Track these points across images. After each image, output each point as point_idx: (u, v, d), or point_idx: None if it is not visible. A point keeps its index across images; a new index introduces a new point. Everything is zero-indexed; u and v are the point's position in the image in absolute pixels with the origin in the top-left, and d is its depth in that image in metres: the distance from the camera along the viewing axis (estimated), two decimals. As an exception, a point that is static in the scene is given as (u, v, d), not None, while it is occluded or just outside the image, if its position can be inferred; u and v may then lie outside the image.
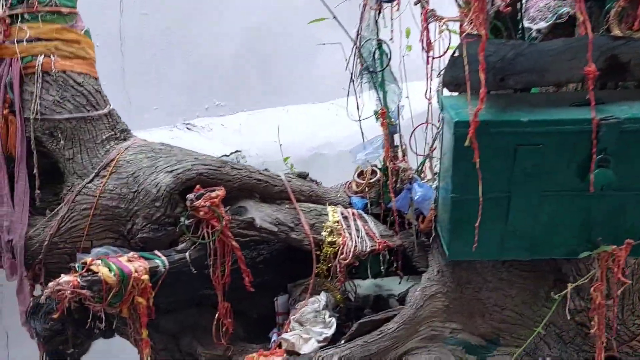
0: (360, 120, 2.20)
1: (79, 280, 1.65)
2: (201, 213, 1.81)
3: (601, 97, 1.62)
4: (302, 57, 4.22)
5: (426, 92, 2.10)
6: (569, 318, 1.89)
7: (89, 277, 1.67)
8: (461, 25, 1.84)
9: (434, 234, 2.03)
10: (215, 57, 3.78)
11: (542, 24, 2.05)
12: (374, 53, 2.00)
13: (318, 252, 1.99)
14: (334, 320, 1.96)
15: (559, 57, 1.74)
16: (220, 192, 1.87)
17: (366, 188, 2.22)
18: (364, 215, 2.12)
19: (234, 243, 1.84)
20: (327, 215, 2.05)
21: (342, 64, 2.17)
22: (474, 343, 2.07)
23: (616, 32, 1.70)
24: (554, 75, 1.82)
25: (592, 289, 1.72)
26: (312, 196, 2.13)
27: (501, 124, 1.62)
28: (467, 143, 1.57)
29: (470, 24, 1.67)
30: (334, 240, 1.99)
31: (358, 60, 2.07)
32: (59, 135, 1.88)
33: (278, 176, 2.07)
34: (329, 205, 2.12)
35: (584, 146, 1.62)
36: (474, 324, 2.04)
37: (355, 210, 2.11)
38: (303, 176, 2.17)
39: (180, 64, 3.63)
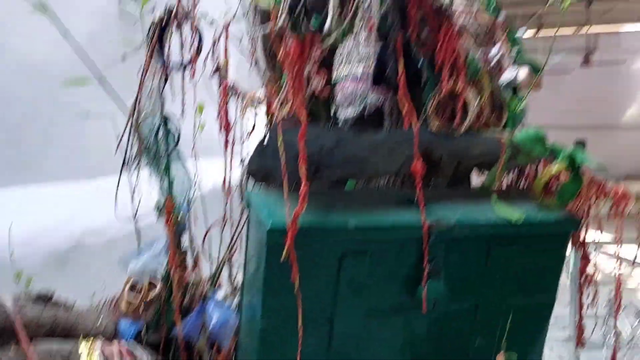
0: (135, 215, 1.65)
1: None
2: None
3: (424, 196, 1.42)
4: (62, 126, 3.47)
5: (225, 181, 1.69)
6: None
7: None
8: (270, 105, 1.51)
9: (235, 369, 1.55)
10: None
11: (350, 111, 1.85)
12: (157, 131, 1.51)
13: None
14: None
15: (379, 149, 1.54)
16: None
17: (141, 307, 1.64)
18: (138, 350, 1.52)
19: None
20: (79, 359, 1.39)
21: (114, 137, 1.65)
22: None
23: (434, 125, 1.57)
24: (371, 168, 1.61)
25: None
26: (58, 328, 1.45)
27: (325, 231, 1.28)
28: (284, 258, 1.20)
29: (283, 104, 1.34)
30: (88, 398, 1.34)
31: (135, 138, 1.57)
32: None
33: (-1, 303, 1.36)
34: (84, 340, 1.47)
35: (413, 255, 1.39)
36: None
37: (122, 347, 1.49)
38: (44, 298, 1.48)
39: None
